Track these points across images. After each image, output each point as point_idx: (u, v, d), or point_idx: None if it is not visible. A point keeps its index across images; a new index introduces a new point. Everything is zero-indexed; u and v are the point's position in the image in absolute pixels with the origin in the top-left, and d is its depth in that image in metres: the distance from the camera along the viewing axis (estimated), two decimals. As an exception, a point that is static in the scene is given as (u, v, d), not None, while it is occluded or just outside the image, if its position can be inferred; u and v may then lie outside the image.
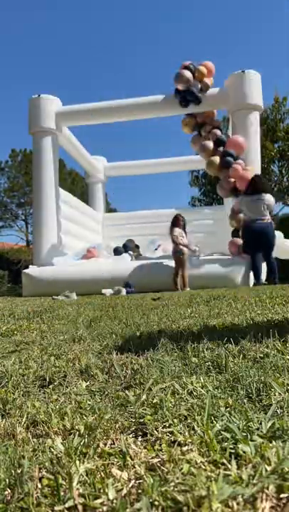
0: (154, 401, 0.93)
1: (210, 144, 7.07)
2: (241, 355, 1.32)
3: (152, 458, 0.68)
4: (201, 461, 0.65)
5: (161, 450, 0.71)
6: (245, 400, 0.92)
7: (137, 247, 8.81)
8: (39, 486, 0.61)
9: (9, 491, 0.61)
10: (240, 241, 6.34)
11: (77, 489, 0.58)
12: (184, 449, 0.70)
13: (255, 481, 0.57)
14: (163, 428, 0.80)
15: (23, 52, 59.63)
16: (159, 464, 0.65)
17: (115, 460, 0.68)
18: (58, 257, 6.88)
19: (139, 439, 0.77)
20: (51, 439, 0.77)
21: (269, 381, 1.00)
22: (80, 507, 0.55)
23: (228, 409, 0.86)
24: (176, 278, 5.98)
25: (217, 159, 6.84)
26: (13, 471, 0.65)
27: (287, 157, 14.48)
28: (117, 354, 1.47)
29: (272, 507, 0.53)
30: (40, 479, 0.62)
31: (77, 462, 0.66)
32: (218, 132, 7.24)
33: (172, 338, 1.67)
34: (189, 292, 4.84)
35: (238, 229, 6.51)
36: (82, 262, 6.83)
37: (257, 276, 5.74)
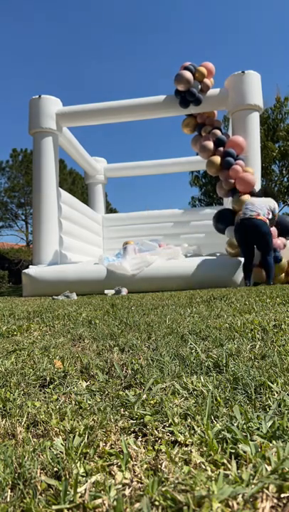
0: (154, 401, 0.93)
1: (210, 144, 7.07)
2: (241, 355, 1.32)
3: (152, 458, 0.68)
4: (201, 461, 0.65)
5: (161, 450, 0.71)
6: (245, 400, 0.92)
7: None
8: (40, 486, 0.61)
9: (10, 491, 0.61)
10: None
11: (78, 489, 0.58)
12: (184, 449, 0.70)
13: (255, 481, 0.57)
14: (163, 428, 0.80)
15: (23, 52, 59.75)
16: (159, 464, 0.65)
17: (116, 460, 0.68)
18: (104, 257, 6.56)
19: (140, 439, 0.77)
20: (51, 439, 0.77)
21: (269, 381, 1.00)
22: (80, 507, 0.55)
23: (228, 409, 0.86)
24: None
25: (217, 159, 6.84)
26: (14, 471, 0.65)
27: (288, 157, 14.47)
28: (117, 354, 1.47)
29: (272, 507, 0.53)
30: (40, 479, 0.62)
31: (78, 462, 0.66)
32: (218, 132, 7.23)
33: (172, 338, 1.67)
34: (189, 292, 4.83)
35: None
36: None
37: None
